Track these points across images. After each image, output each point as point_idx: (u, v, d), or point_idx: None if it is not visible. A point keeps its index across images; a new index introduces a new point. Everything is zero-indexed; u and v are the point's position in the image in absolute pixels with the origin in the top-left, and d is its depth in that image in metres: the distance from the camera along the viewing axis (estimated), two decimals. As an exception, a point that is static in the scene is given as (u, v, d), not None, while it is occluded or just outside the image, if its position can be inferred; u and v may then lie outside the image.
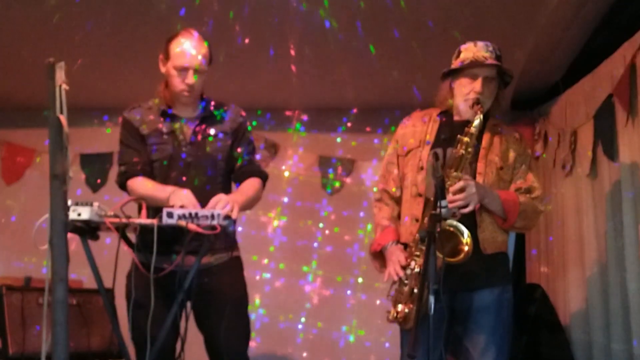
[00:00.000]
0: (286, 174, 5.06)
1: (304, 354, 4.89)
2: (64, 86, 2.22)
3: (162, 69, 2.85)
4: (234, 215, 2.53)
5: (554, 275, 4.40)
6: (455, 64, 2.81)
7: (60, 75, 2.21)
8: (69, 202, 2.28)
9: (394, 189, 2.90)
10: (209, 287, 2.75)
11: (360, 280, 4.93)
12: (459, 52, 2.83)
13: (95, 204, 2.35)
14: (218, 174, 2.84)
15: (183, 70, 2.77)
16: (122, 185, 2.85)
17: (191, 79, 2.77)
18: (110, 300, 2.68)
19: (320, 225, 5.06)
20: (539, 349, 3.85)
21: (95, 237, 2.47)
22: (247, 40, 3.79)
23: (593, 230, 3.82)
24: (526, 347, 3.86)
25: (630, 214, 3.35)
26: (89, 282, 3.25)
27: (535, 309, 3.94)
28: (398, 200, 2.90)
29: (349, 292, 4.96)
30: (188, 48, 2.77)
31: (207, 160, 2.82)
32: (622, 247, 3.43)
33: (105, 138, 5.14)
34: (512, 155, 2.80)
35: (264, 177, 2.96)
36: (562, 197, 4.28)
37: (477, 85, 2.75)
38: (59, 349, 2.13)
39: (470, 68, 2.76)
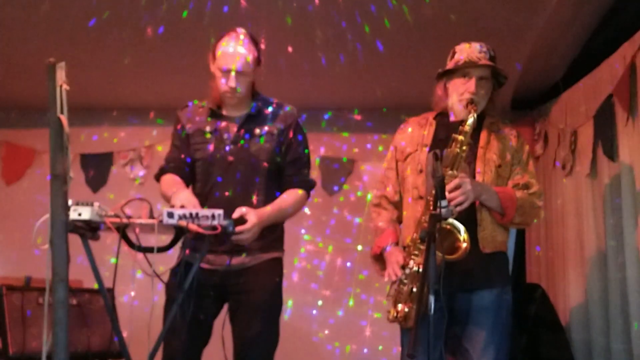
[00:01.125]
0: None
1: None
2: (64, 86, 2.22)
3: (211, 68, 2.83)
4: (244, 233, 2.55)
5: (554, 275, 4.40)
6: (450, 64, 2.83)
7: (60, 75, 2.21)
8: (70, 202, 2.28)
9: (392, 194, 2.92)
10: (242, 288, 2.73)
11: (360, 279, 4.94)
12: (454, 53, 2.85)
13: (96, 204, 2.35)
14: (260, 174, 2.78)
15: (226, 72, 2.74)
16: (157, 180, 2.90)
17: (233, 81, 2.74)
18: (110, 300, 2.68)
19: (320, 224, 5.07)
20: (538, 349, 3.85)
21: (96, 237, 2.47)
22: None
23: (593, 230, 3.82)
24: (526, 347, 3.86)
25: (630, 214, 3.36)
26: (89, 282, 3.25)
27: (535, 309, 3.94)
28: (396, 205, 2.92)
29: (349, 289, 4.98)
30: (232, 50, 2.73)
31: (250, 160, 2.77)
32: (622, 247, 3.43)
33: (105, 138, 5.17)
34: (509, 152, 2.81)
35: (308, 187, 2.87)
36: (562, 197, 4.29)
37: (471, 85, 2.76)
38: (59, 349, 2.13)
39: (464, 68, 2.77)
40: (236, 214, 2.56)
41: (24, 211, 4.83)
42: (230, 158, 2.78)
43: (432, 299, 2.21)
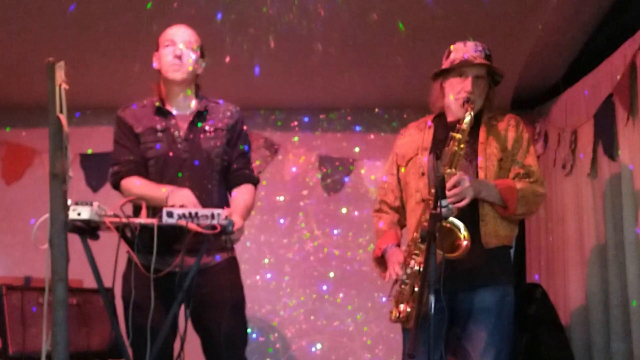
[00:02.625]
0: (286, 174, 5.06)
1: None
2: (64, 86, 2.22)
3: (156, 64, 2.86)
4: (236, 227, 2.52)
5: (554, 275, 4.40)
6: (446, 64, 2.83)
7: (60, 74, 2.21)
8: (69, 202, 2.27)
9: (393, 200, 2.93)
10: (205, 289, 2.71)
11: (360, 278, 4.94)
12: (449, 52, 2.85)
13: (95, 203, 2.35)
14: (213, 170, 2.81)
15: (171, 44, 2.80)
16: (116, 186, 2.84)
17: (179, 50, 2.78)
18: (110, 300, 2.67)
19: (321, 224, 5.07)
20: (539, 349, 3.85)
21: (95, 237, 2.46)
22: (247, 39, 3.79)
23: (593, 230, 3.82)
24: (526, 346, 3.86)
25: (630, 214, 3.35)
26: (89, 282, 3.24)
27: (535, 308, 3.94)
28: (397, 210, 2.93)
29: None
30: (175, 28, 2.85)
31: (203, 156, 2.80)
32: (622, 247, 3.43)
33: (105, 138, 5.16)
34: (509, 142, 2.80)
35: (255, 183, 2.93)
36: (562, 197, 4.28)
37: (467, 84, 2.76)
38: (59, 349, 2.13)
39: (460, 68, 2.77)
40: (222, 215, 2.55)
41: (24, 211, 4.84)
42: (185, 155, 2.79)
43: (432, 298, 2.21)
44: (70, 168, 2.23)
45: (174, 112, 2.86)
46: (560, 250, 4.30)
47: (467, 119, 2.67)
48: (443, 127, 2.85)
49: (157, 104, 2.85)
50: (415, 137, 2.91)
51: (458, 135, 2.66)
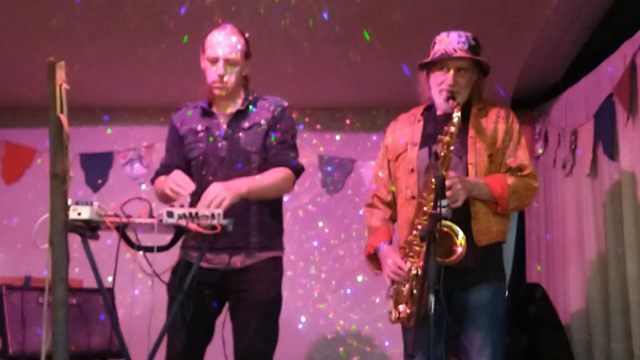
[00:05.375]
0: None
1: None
2: (64, 86, 2.22)
3: (202, 64, 2.88)
4: (220, 208, 2.50)
5: (554, 275, 4.40)
6: (430, 55, 2.79)
7: (60, 74, 2.21)
8: (69, 202, 2.28)
9: (385, 194, 2.91)
10: (242, 286, 2.75)
11: (359, 279, 4.94)
12: (434, 44, 2.79)
13: (96, 203, 2.35)
14: (251, 167, 2.80)
15: (214, 61, 2.80)
16: (153, 183, 2.94)
17: (222, 69, 2.78)
18: (110, 300, 2.68)
19: (320, 224, 5.07)
20: (539, 349, 3.85)
21: (96, 237, 2.47)
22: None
23: (593, 230, 3.82)
24: (526, 347, 3.86)
25: (630, 214, 3.35)
26: (89, 282, 3.24)
27: (535, 308, 3.94)
28: (389, 204, 2.91)
29: (348, 291, 4.98)
30: (218, 39, 2.80)
31: (241, 154, 2.81)
32: (622, 247, 3.43)
33: (105, 138, 5.17)
34: (500, 136, 2.75)
35: (294, 168, 2.84)
36: (562, 197, 4.28)
37: (449, 78, 2.72)
38: (59, 349, 2.13)
39: (442, 61, 2.74)
40: (203, 201, 2.55)
41: (24, 211, 4.84)
42: (223, 153, 2.81)
43: (432, 298, 2.21)
44: (70, 168, 2.24)
45: (218, 111, 2.89)
46: (561, 250, 4.30)
47: (455, 119, 2.61)
48: (432, 121, 2.82)
49: (203, 104, 2.89)
50: (405, 131, 2.87)
51: (447, 139, 2.61)
